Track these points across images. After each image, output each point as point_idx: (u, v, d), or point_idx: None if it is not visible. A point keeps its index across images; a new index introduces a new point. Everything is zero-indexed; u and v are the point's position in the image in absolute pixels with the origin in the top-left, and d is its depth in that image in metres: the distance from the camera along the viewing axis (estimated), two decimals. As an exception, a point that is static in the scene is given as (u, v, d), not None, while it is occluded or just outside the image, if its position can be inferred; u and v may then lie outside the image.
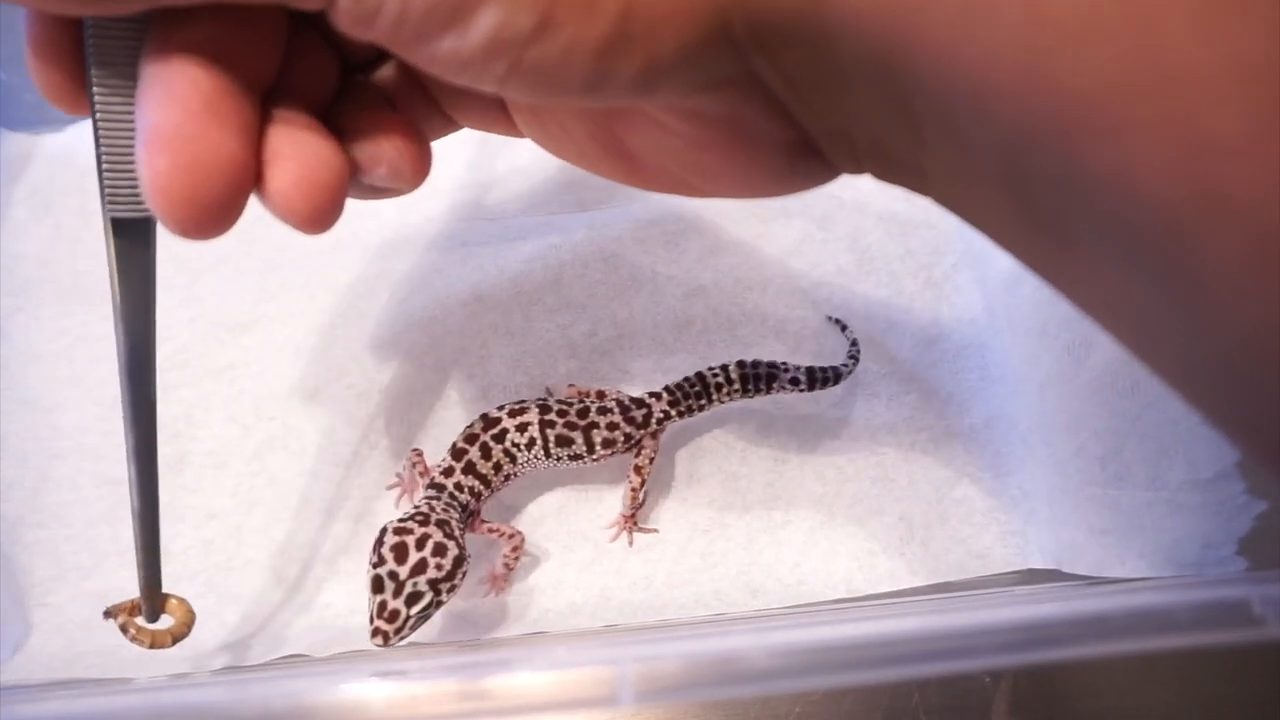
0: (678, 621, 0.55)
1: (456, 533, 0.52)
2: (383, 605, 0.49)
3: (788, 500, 0.60)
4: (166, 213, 0.27)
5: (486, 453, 0.56)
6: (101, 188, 0.30)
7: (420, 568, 0.49)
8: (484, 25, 0.25)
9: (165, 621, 0.47)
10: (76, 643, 0.57)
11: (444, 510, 0.53)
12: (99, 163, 0.29)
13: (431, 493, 0.55)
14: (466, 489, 0.55)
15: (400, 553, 0.50)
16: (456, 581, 0.50)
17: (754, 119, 0.30)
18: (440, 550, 0.50)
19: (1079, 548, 0.51)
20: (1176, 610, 0.33)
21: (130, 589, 0.58)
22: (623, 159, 0.36)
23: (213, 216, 0.28)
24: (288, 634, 0.56)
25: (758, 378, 0.59)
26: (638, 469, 0.58)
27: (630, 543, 0.59)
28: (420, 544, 0.50)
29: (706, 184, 0.35)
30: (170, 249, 0.70)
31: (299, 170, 0.29)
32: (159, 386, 0.65)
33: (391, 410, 0.63)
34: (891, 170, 0.30)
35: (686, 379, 0.60)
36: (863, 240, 0.67)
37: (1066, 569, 0.52)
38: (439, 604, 0.50)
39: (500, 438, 0.56)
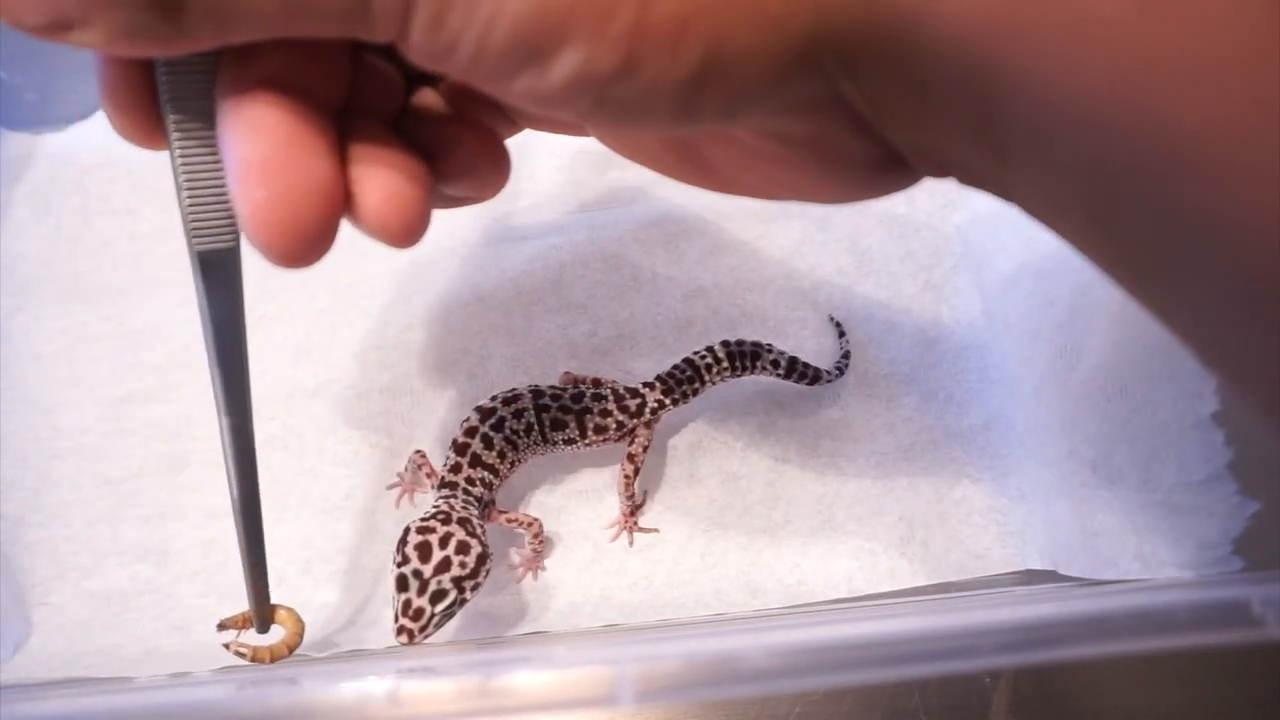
0: (677, 621, 0.55)
1: (479, 530, 0.52)
2: (407, 604, 0.49)
3: (788, 500, 0.60)
4: (268, 244, 0.27)
5: (489, 443, 0.56)
6: (185, 223, 0.30)
7: (444, 566, 0.50)
8: (564, 66, 0.25)
9: (276, 634, 0.48)
10: (76, 642, 0.57)
11: (463, 508, 0.54)
12: (180, 199, 0.29)
13: (446, 492, 0.55)
14: (478, 481, 0.56)
15: (424, 551, 0.50)
16: (480, 579, 0.51)
17: (837, 136, 0.30)
18: (464, 548, 0.50)
19: (1074, 549, 0.51)
20: (1177, 610, 0.33)
21: (130, 589, 0.59)
22: (698, 167, 0.36)
23: (311, 243, 0.28)
24: (288, 633, 0.56)
25: (743, 354, 0.61)
26: (631, 457, 0.59)
27: (630, 542, 0.59)
28: (444, 542, 0.50)
29: (786, 192, 0.35)
30: (169, 245, 0.71)
31: (387, 187, 0.29)
32: (162, 386, 0.65)
33: (392, 410, 0.63)
34: (974, 180, 0.30)
35: (676, 366, 0.60)
36: (862, 242, 0.67)
37: (1063, 570, 0.53)
38: (463, 601, 0.50)
39: (499, 426, 0.57)
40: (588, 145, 0.72)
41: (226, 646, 0.48)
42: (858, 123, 0.29)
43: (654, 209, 0.69)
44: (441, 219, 0.72)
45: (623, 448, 0.59)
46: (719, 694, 0.44)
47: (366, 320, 0.66)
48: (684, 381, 0.59)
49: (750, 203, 0.68)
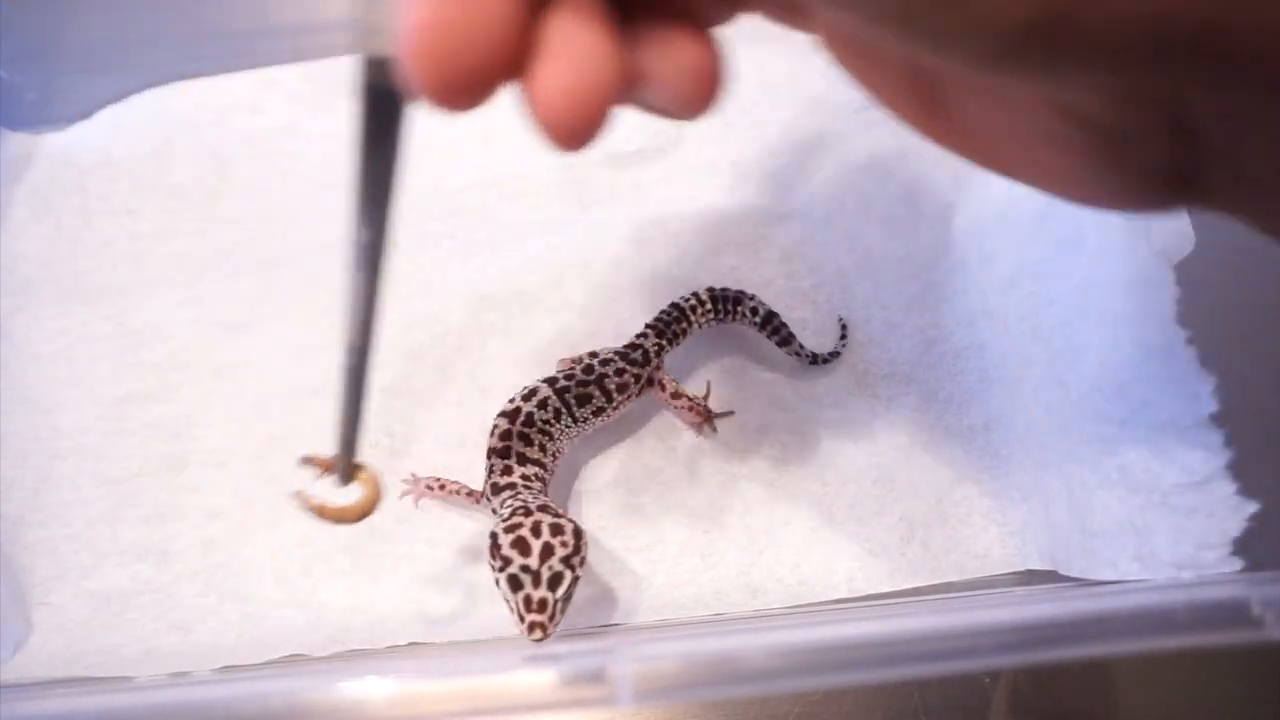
0: (677, 621, 0.55)
1: (560, 510, 0.52)
2: (527, 600, 0.48)
3: (788, 501, 0.60)
4: (413, 66, 0.24)
5: (527, 440, 0.57)
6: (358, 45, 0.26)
7: (548, 551, 0.49)
8: None
9: (353, 494, 0.44)
10: (76, 642, 0.57)
11: (536, 496, 0.54)
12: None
13: (508, 494, 0.54)
14: (533, 476, 0.56)
15: (522, 546, 0.49)
16: (583, 552, 0.50)
17: (1143, 137, 0.26)
18: (557, 529, 0.50)
19: (1073, 550, 0.51)
20: (1176, 611, 0.33)
21: (130, 588, 0.59)
22: (933, 114, 0.31)
23: (463, 85, 0.24)
24: (287, 633, 0.56)
25: (726, 299, 0.63)
26: (675, 395, 0.61)
27: (714, 430, 0.61)
28: (536, 531, 0.50)
29: (1045, 178, 0.31)
30: (169, 245, 0.71)
31: (569, 70, 0.25)
32: (162, 386, 0.65)
33: (392, 410, 0.63)
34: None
35: (663, 310, 0.63)
36: (863, 242, 0.67)
37: (1063, 570, 0.53)
38: (576, 580, 0.49)
39: (529, 422, 0.57)
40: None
41: (296, 495, 0.46)
42: (1179, 130, 0.26)
43: (655, 209, 0.69)
44: (443, 219, 0.73)
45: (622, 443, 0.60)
46: (718, 694, 0.44)
47: (366, 320, 0.66)
48: (672, 322, 0.62)
49: (751, 203, 0.69)
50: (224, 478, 0.62)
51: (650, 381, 0.61)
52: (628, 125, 0.72)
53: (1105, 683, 0.50)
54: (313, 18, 0.74)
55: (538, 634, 0.47)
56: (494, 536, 0.51)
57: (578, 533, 0.51)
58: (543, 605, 0.47)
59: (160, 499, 0.61)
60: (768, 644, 0.36)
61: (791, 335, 0.63)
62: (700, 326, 0.63)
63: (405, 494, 0.60)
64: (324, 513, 0.45)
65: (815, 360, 0.63)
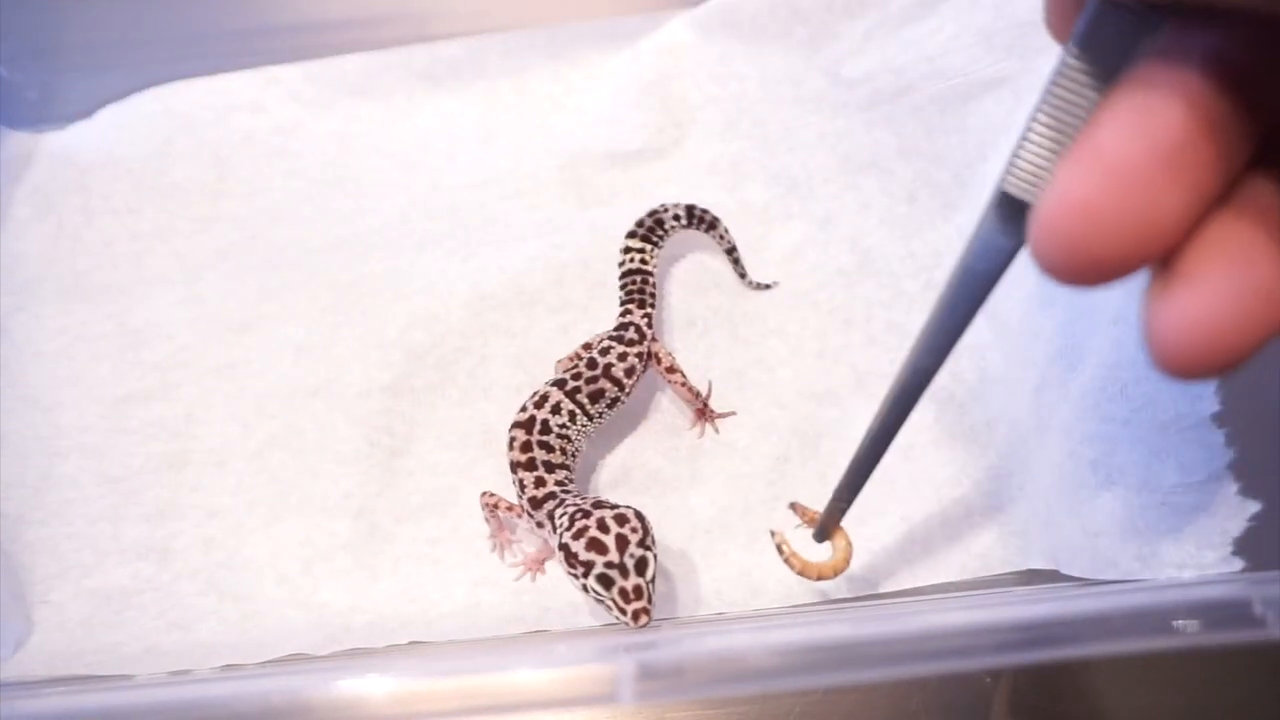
0: (679, 620, 0.55)
1: (611, 500, 0.54)
2: (623, 592, 0.50)
3: (789, 501, 0.59)
4: (1044, 238, 0.21)
5: (548, 448, 0.58)
6: (1013, 148, 0.25)
7: (623, 542, 0.51)
8: None
9: (823, 554, 0.48)
10: (77, 640, 0.57)
11: (581, 496, 0.55)
12: (1027, 123, 0.24)
13: (552, 504, 0.55)
14: (565, 480, 0.57)
15: (598, 546, 0.51)
16: (652, 531, 0.52)
17: None
18: (621, 519, 0.52)
19: (1075, 549, 0.51)
20: (1177, 611, 0.33)
21: (131, 587, 0.59)
22: None
23: (1088, 270, 0.21)
24: (288, 632, 0.56)
25: (703, 219, 0.66)
26: (670, 370, 0.62)
27: (716, 430, 0.62)
28: (603, 527, 0.51)
29: None
30: (170, 244, 0.71)
31: (1218, 299, 0.21)
32: (162, 385, 0.65)
33: (393, 409, 0.63)
34: None
35: (639, 219, 0.65)
36: (864, 242, 0.67)
37: (1064, 570, 0.52)
38: (655, 558, 0.51)
39: (546, 430, 0.58)
40: (588, 145, 0.73)
41: (773, 534, 0.50)
42: None
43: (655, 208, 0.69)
44: (444, 218, 0.73)
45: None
46: (718, 692, 0.44)
47: (367, 319, 0.66)
48: (642, 287, 0.64)
49: (753, 204, 0.69)
50: (224, 476, 0.62)
51: (649, 354, 0.62)
52: (628, 124, 0.72)
53: (1106, 682, 0.50)
54: (313, 17, 0.74)
55: (643, 619, 0.49)
56: (565, 548, 0.51)
57: (639, 515, 0.53)
58: (638, 592, 0.50)
59: (161, 497, 0.61)
60: (768, 643, 0.36)
61: (746, 272, 0.66)
62: (672, 232, 0.66)
63: (494, 549, 0.59)
64: (793, 561, 0.49)
65: (757, 286, 0.66)
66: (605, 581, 0.50)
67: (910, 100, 0.69)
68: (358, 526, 0.60)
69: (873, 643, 0.34)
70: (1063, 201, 0.20)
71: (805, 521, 0.51)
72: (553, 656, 0.43)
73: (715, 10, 0.73)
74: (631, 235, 0.65)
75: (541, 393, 0.59)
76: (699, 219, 0.66)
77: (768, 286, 0.66)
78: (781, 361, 0.64)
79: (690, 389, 0.61)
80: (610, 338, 0.61)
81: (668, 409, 0.63)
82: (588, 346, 0.62)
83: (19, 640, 0.56)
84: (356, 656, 0.54)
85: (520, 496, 0.57)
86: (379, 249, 0.69)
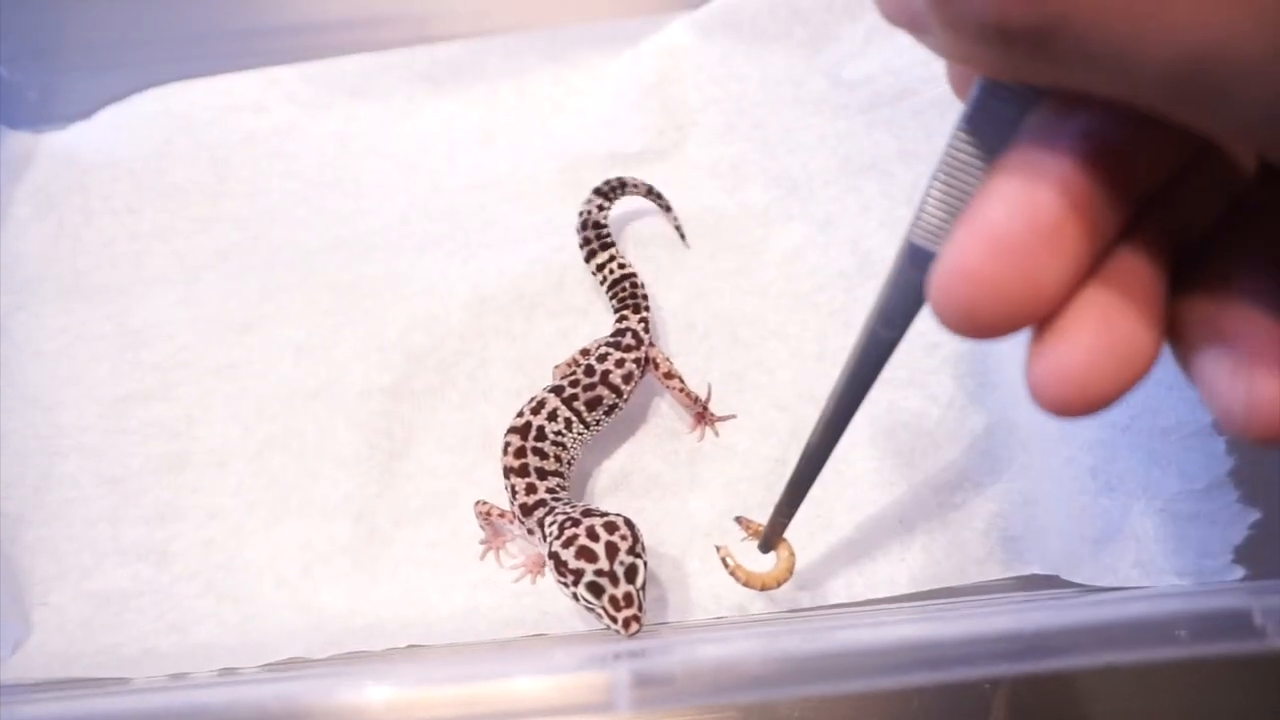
0: (676, 625, 0.55)
1: (601, 508, 0.54)
2: (613, 600, 0.49)
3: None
4: (941, 300, 0.24)
5: (542, 454, 0.57)
6: (916, 210, 0.27)
7: (613, 550, 0.50)
8: None
9: (767, 563, 0.50)
10: (76, 642, 0.57)
11: (571, 504, 0.55)
12: (929, 184, 0.27)
13: (542, 511, 0.55)
14: (556, 488, 0.57)
15: (588, 554, 0.50)
16: (641, 538, 0.52)
17: None
18: (611, 527, 0.51)
19: (1074, 555, 0.51)
20: (1178, 621, 0.33)
21: (130, 589, 0.59)
22: None
23: (980, 330, 0.24)
24: (287, 634, 0.56)
25: (610, 188, 0.67)
26: (668, 375, 0.61)
27: (716, 433, 0.61)
28: (592, 536, 0.51)
29: None
30: (170, 244, 0.71)
31: (1085, 352, 0.24)
32: (162, 385, 0.66)
33: (392, 411, 0.63)
34: None
35: (614, 285, 0.64)
36: (864, 244, 0.67)
37: (1065, 576, 0.52)
38: (645, 565, 0.51)
39: (541, 436, 0.58)
40: (589, 147, 0.73)
41: (718, 549, 0.50)
42: None
43: (655, 211, 0.69)
44: (444, 220, 0.73)
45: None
46: (715, 701, 0.44)
47: (367, 321, 0.66)
48: (632, 292, 0.64)
49: (752, 206, 0.68)
50: (224, 478, 0.62)
51: (646, 360, 0.62)
52: (629, 126, 0.72)
53: (1106, 690, 0.50)
54: (313, 18, 0.74)
55: (634, 627, 0.49)
56: (555, 556, 0.51)
57: (629, 523, 0.52)
58: (629, 599, 0.50)
59: (160, 499, 0.61)
60: (766, 651, 0.36)
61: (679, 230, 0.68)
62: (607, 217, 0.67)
63: (485, 553, 0.59)
64: (738, 573, 0.50)
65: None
66: (595, 590, 0.50)
67: (911, 103, 0.69)
68: (357, 529, 0.59)
69: (871, 651, 0.34)
70: (954, 270, 0.23)
71: (750, 534, 0.52)
72: (549, 664, 0.43)
73: (716, 12, 0.73)
74: (592, 251, 0.65)
75: (539, 399, 0.59)
76: (612, 191, 0.67)
77: (683, 237, 0.68)
78: (781, 364, 0.64)
79: (688, 394, 0.61)
80: (608, 344, 0.61)
81: (667, 413, 0.63)
82: (585, 352, 0.62)
83: (18, 642, 0.56)
84: (355, 660, 0.54)
85: (512, 503, 0.57)
86: (379, 251, 0.69)
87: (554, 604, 0.57)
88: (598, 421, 0.59)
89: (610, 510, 0.54)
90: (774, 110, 0.72)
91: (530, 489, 0.56)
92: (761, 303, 0.66)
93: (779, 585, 0.50)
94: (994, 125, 0.25)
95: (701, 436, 0.62)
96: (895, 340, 0.31)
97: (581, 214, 0.66)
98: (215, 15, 0.73)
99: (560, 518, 0.53)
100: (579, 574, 0.50)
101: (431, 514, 0.60)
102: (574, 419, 0.58)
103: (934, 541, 0.58)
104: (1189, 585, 0.44)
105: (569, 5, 0.74)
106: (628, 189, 0.68)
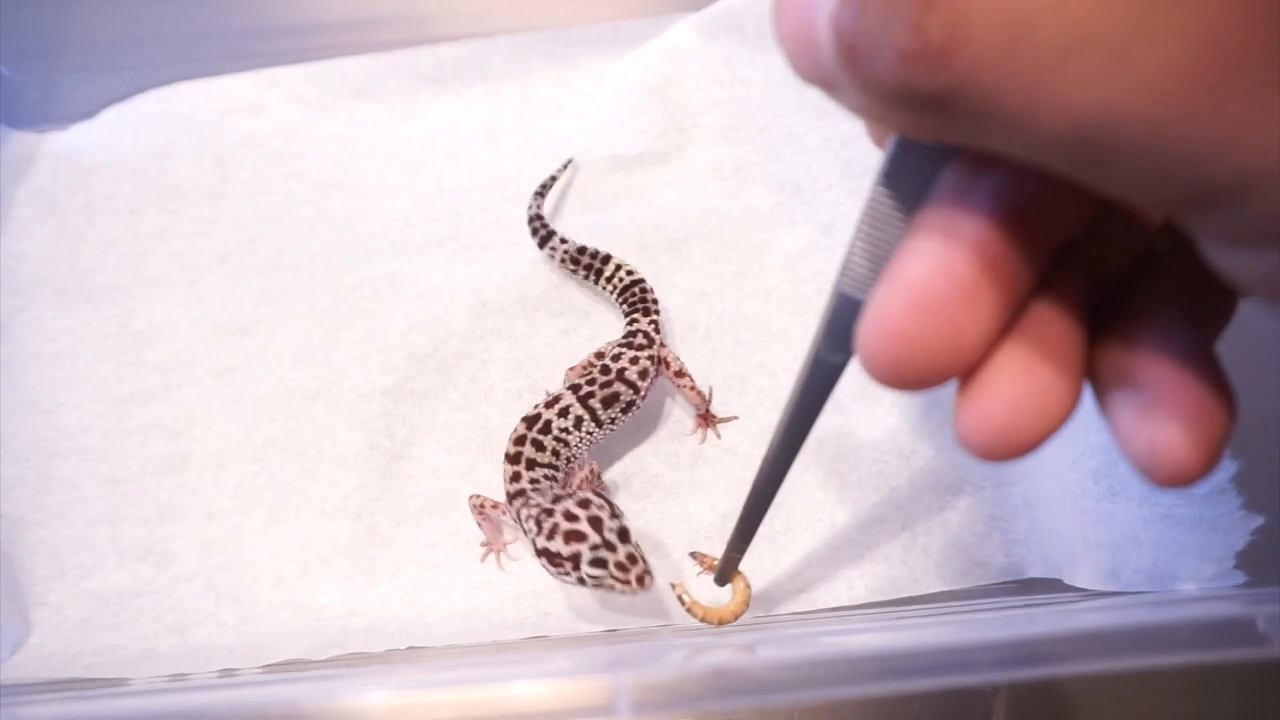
0: (678, 627, 0.55)
1: (568, 486, 0.55)
2: (619, 565, 0.50)
3: (789, 507, 0.59)
4: (867, 355, 0.24)
5: (540, 446, 0.58)
6: (843, 260, 0.28)
7: (597, 522, 0.51)
8: None
9: (724, 598, 0.50)
10: (75, 642, 0.56)
11: (546, 490, 0.55)
12: (852, 238, 0.27)
13: (519, 502, 0.55)
14: (541, 478, 0.57)
15: (577, 536, 0.51)
16: (616, 503, 0.53)
17: None
18: (584, 503, 0.52)
19: (1076, 559, 0.51)
20: (1180, 627, 0.33)
21: (129, 589, 0.58)
22: None
23: (906, 384, 0.25)
24: (286, 635, 0.56)
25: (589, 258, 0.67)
26: (679, 374, 0.62)
27: (719, 435, 0.62)
28: (571, 517, 0.52)
29: None
30: (171, 245, 0.71)
31: (1007, 402, 0.25)
32: (163, 386, 0.65)
33: (393, 413, 0.63)
34: None
35: (626, 291, 0.64)
36: (867, 247, 0.66)
37: (1067, 580, 0.52)
38: (628, 522, 0.53)
39: (546, 429, 0.58)
40: (591, 148, 0.73)
41: (673, 586, 0.51)
42: None
43: (657, 213, 0.69)
44: (445, 222, 0.73)
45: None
46: (716, 706, 0.44)
47: (368, 322, 0.66)
48: (641, 297, 0.64)
49: (755, 209, 0.68)
50: (224, 479, 0.62)
51: (658, 359, 0.62)
52: (631, 129, 0.72)
53: (1107, 694, 0.50)
54: (316, 19, 0.74)
55: (648, 581, 0.50)
56: (545, 552, 0.52)
57: (596, 493, 0.53)
58: (632, 559, 0.51)
59: (160, 499, 0.61)
60: (767, 656, 0.36)
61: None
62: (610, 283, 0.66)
63: (486, 555, 0.59)
64: (694, 609, 0.50)
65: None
66: (599, 564, 0.50)
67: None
68: (357, 530, 0.59)
69: (873, 656, 0.34)
70: (879, 328, 0.24)
71: (705, 568, 0.52)
72: (549, 668, 0.42)
73: (719, 14, 0.73)
74: (605, 258, 0.65)
75: (557, 394, 0.60)
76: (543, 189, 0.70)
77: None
78: (784, 367, 0.64)
79: (698, 392, 0.62)
80: (620, 345, 0.62)
81: (669, 415, 0.63)
82: (600, 355, 0.62)
83: (17, 642, 0.56)
84: (354, 662, 0.54)
85: (505, 489, 0.57)
86: (381, 252, 0.69)
87: (554, 606, 0.57)
88: (613, 420, 0.59)
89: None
90: (777, 113, 0.72)
91: (516, 477, 0.57)
92: (764, 306, 0.65)
93: (735, 619, 0.50)
94: (911, 179, 0.26)
95: (704, 439, 0.62)
96: (842, 365, 0.31)
97: (532, 220, 0.68)
98: (218, 15, 0.73)
99: (534, 512, 0.53)
100: (576, 557, 0.50)
101: (431, 515, 0.60)
102: (586, 417, 0.59)
103: (936, 544, 0.57)
104: (1191, 591, 0.43)
105: (572, 6, 0.74)
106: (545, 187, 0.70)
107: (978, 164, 0.24)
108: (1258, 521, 0.43)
